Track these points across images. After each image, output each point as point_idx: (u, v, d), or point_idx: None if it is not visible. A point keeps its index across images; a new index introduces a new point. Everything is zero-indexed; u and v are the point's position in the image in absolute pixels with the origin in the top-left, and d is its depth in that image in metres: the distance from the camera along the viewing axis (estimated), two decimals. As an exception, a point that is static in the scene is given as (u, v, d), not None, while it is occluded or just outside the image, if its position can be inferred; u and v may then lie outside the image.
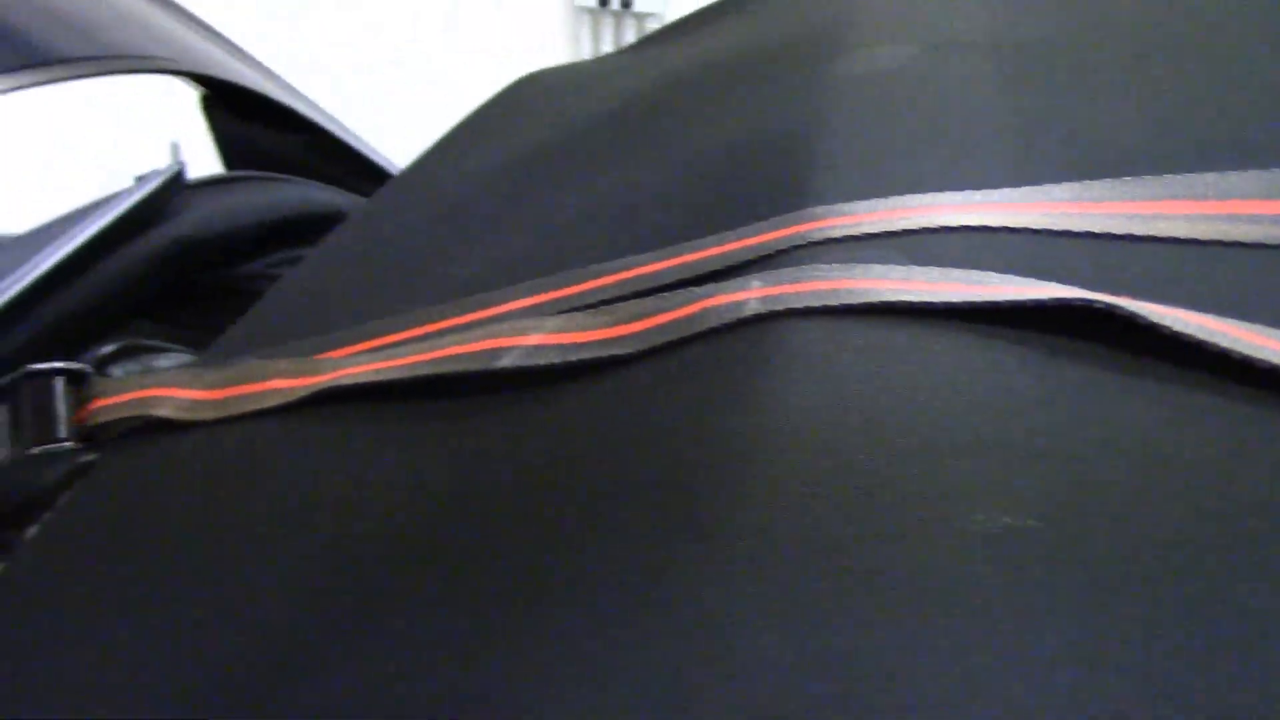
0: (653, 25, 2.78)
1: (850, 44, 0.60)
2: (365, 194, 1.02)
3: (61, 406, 0.52)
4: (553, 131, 0.67)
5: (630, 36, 2.82)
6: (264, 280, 0.90)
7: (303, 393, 0.48)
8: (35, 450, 0.51)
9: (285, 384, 0.49)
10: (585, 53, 2.85)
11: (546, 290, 0.49)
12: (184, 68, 1.00)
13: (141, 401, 0.51)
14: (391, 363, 0.48)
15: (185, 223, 0.83)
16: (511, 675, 0.31)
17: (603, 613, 0.31)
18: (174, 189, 0.84)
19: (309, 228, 0.94)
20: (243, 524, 0.45)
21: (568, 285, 0.48)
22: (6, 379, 0.53)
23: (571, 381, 0.44)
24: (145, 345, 0.70)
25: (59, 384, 0.53)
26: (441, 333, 0.49)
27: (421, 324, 0.50)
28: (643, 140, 0.60)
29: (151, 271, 0.80)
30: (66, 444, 0.52)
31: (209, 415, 0.50)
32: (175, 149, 0.89)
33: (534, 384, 0.45)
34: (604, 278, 0.48)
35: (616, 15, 2.83)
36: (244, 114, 1.08)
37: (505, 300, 0.49)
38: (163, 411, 0.50)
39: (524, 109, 0.75)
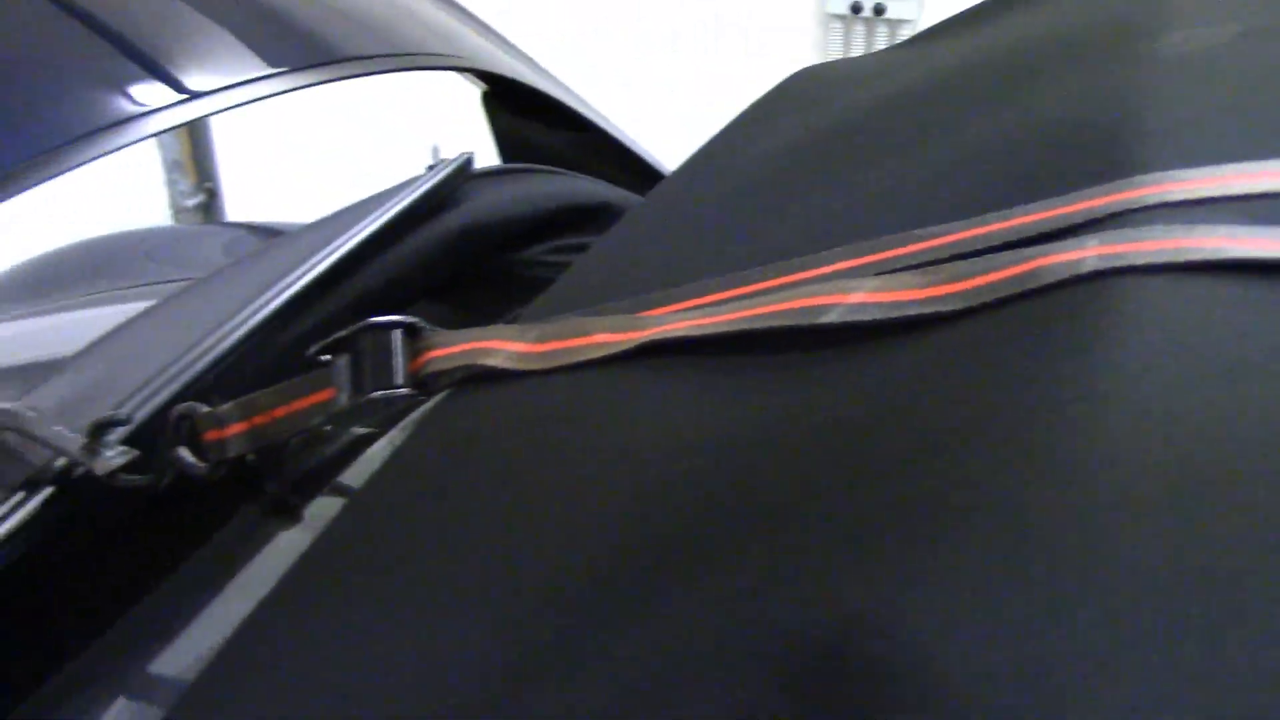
0: (906, 32, 2.75)
1: (1168, 26, 0.59)
2: (637, 191, 1.05)
3: (400, 356, 0.56)
4: (853, 110, 0.68)
5: (881, 44, 2.80)
6: (541, 266, 0.94)
7: (626, 346, 0.51)
8: (375, 394, 0.55)
9: (608, 338, 0.51)
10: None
11: (866, 254, 0.49)
12: (470, 65, 1.06)
13: (473, 352, 0.54)
14: (713, 319, 0.49)
15: (473, 209, 0.88)
16: (837, 600, 0.31)
17: (962, 539, 0.32)
18: (463, 176, 0.88)
19: (584, 219, 0.97)
20: (567, 468, 0.47)
21: (887, 249, 0.49)
22: (348, 330, 0.57)
23: (897, 338, 0.45)
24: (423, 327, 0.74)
25: (398, 335, 0.56)
26: (761, 292, 0.50)
27: (740, 285, 0.51)
28: (954, 115, 0.60)
29: (442, 253, 0.84)
30: (402, 390, 0.56)
31: (536, 366, 0.52)
32: (435, 151, 0.94)
33: (855, 340, 0.46)
34: (925, 241, 0.48)
35: (868, 22, 2.81)
36: (521, 110, 1.13)
37: (823, 263, 0.50)
38: (492, 362, 0.53)
39: (810, 95, 0.76)
